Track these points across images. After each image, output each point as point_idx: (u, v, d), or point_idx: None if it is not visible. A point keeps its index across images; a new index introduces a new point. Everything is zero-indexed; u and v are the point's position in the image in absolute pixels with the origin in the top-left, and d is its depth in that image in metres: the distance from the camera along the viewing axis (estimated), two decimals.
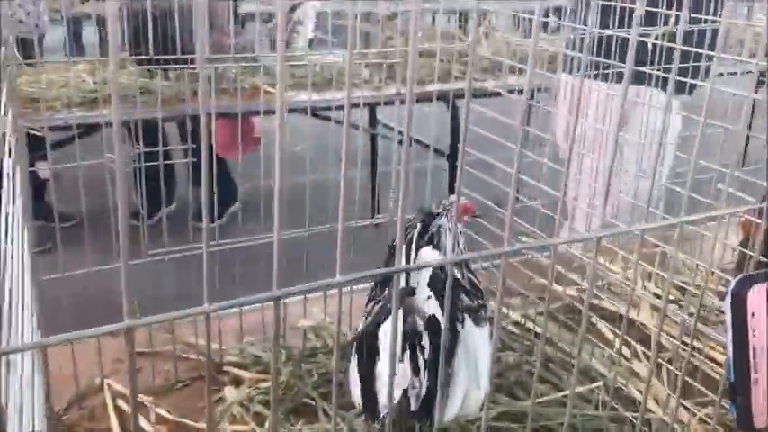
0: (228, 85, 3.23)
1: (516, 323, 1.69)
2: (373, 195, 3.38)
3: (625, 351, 1.57)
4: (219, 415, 1.32)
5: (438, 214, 1.33)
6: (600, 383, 1.42)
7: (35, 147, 3.11)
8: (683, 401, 1.41)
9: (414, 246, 1.32)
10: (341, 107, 3.17)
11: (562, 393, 1.42)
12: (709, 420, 1.36)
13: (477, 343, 1.33)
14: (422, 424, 1.26)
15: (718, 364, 1.53)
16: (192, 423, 1.31)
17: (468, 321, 1.33)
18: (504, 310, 1.71)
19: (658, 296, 1.76)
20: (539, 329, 1.65)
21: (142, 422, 1.32)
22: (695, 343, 1.54)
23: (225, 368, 1.47)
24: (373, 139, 4.36)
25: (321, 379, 1.42)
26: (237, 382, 1.43)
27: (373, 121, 4.26)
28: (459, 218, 1.35)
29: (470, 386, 1.31)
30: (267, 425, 1.29)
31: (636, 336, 1.63)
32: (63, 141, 3.40)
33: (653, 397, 1.43)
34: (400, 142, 3.83)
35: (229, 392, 1.38)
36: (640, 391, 1.44)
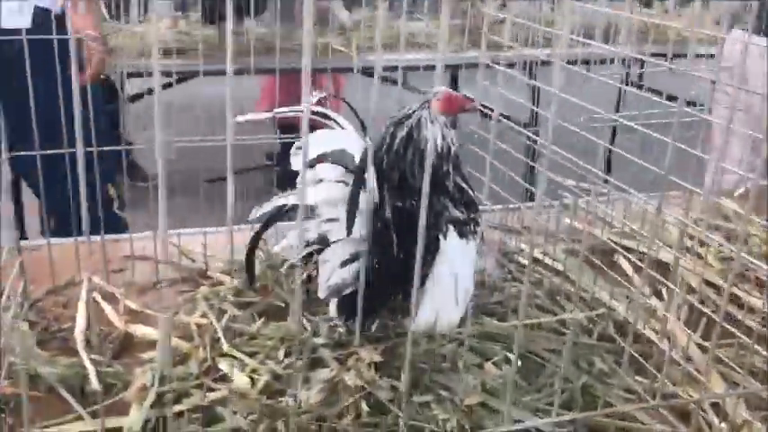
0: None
1: (535, 260, 1.55)
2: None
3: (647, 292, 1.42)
4: (179, 307, 1.27)
5: (420, 107, 1.23)
6: (601, 311, 1.28)
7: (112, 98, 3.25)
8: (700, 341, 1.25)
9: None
10: (410, 68, 3.09)
11: (556, 318, 1.29)
12: (727, 360, 1.19)
13: (458, 257, 1.22)
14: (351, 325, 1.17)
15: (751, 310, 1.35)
16: (152, 313, 1.27)
17: (453, 233, 1.22)
18: (523, 245, 1.59)
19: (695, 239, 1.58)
20: (557, 266, 1.51)
21: (108, 310, 1.30)
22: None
23: (209, 273, 1.43)
24: None
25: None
26: (218, 285, 1.38)
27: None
28: (444, 111, 1.23)
29: (445, 302, 1.21)
30: (224, 319, 1.24)
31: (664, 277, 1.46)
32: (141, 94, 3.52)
33: (664, 333, 1.27)
34: (484, 115, 3.72)
35: (203, 291, 1.34)
36: (655, 331, 1.28)
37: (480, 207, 1.60)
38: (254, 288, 1.32)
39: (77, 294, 1.34)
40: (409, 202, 1.20)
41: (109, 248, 1.43)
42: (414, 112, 1.22)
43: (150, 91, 3.72)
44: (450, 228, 1.23)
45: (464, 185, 1.26)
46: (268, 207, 1.13)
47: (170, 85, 3.48)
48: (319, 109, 1.16)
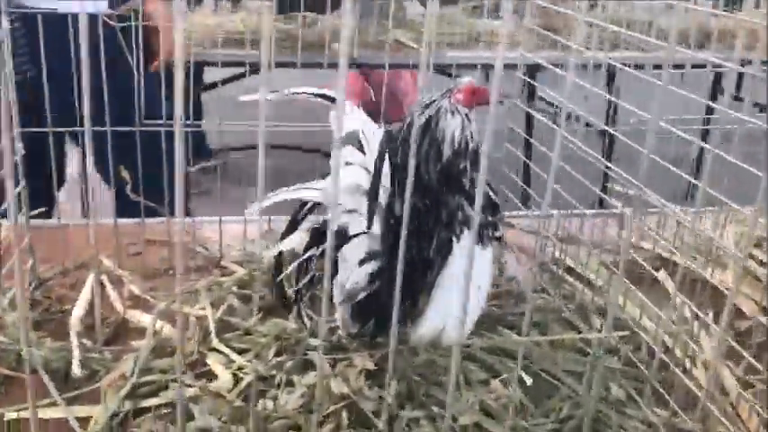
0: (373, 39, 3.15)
1: (570, 269, 1.44)
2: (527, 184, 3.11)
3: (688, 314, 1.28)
4: (174, 296, 1.23)
5: (441, 96, 1.13)
6: (625, 332, 1.15)
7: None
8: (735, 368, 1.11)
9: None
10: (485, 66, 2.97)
11: (580, 335, 1.17)
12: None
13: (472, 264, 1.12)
14: (366, 331, 1.09)
15: None
16: (152, 300, 1.23)
17: (467, 237, 1.12)
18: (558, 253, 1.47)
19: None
20: (593, 278, 1.39)
21: (113, 294, 1.27)
22: None
23: (222, 263, 1.38)
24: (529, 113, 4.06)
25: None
26: (230, 275, 1.33)
27: (531, 91, 3.98)
28: (467, 103, 1.14)
29: (454, 311, 1.11)
30: (220, 311, 1.18)
31: (712, 301, 1.32)
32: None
33: (701, 362, 1.14)
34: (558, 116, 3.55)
35: (207, 280, 1.29)
36: (689, 357, 1.15)
37: (516, 212, 1.50)
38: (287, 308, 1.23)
39: (87, 276, 1.32)
40: (421, 198, 1.11)
41: (133, 231, 1.42)
42: (434, 101, 1.13)
43: (226, 81, 3.75)
44: (465, 230, 1.13)
45: (487, 188, 1.16)
46: (267, 202, 1.05)
47: (243, 75, 3.49)
48: (324, 92, 1.08)
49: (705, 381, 1.10)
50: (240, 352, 1.10)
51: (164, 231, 1.46)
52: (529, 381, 1.09)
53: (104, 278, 1.31)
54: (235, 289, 1.27)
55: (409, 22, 3.38)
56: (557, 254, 1.48)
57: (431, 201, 1.12)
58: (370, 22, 3.27)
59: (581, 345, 1.19)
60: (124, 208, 1.38)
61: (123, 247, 1.38)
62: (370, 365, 1.06)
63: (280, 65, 3.00)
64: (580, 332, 1.24)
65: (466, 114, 1.14)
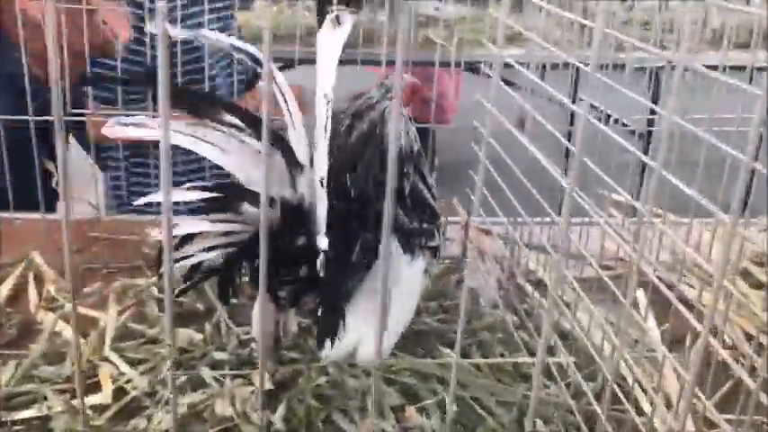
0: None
1: (539, 282, 1.30)
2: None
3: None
4: (89, 295, 1.15)
5: (382, 96, 1.01)
6: (569, 359, 1.01)
7: None
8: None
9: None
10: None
11: (523, 359, 1.04)
12: None
13: (399, 275, 1.00)
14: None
15: None
16: (63, 301, 1.15)
17: (396, 246, 1.00)
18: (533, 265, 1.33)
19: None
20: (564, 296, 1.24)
21: (31, 291, 1.19)
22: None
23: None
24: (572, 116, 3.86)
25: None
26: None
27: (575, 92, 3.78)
28: (405, 101, 1.02)
29: (372, 326, 0.99)
30: (123, 317, 1.09)
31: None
32: None
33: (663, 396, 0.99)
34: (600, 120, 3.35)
35: (121, 283, 1.20)
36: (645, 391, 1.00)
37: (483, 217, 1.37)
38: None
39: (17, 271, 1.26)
40: (352, 204, 0.99)
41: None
42: (376, 102, 1.01)
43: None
44: (396, 237, 1.01)
45: (424, 189, 1.04)
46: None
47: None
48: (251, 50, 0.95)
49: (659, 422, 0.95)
50: (137, 363, 1.01)
51: (114, 228, 1.40)
52: (453, 409, 0.96)
53: (30, 276, 1.24)
54: (155, 292, 1.17)
55: (440, 21, 3.25)
56: (530, 265, 1.34)
57: (360, 203, 1.01)
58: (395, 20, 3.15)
59: (527, 370, 1.05)
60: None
61: (59, 243, 1.31)
62: (268, 385, 0.95)
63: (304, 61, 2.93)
64: (532, 354, 1.10)
65: (409, 116, 1.03)
